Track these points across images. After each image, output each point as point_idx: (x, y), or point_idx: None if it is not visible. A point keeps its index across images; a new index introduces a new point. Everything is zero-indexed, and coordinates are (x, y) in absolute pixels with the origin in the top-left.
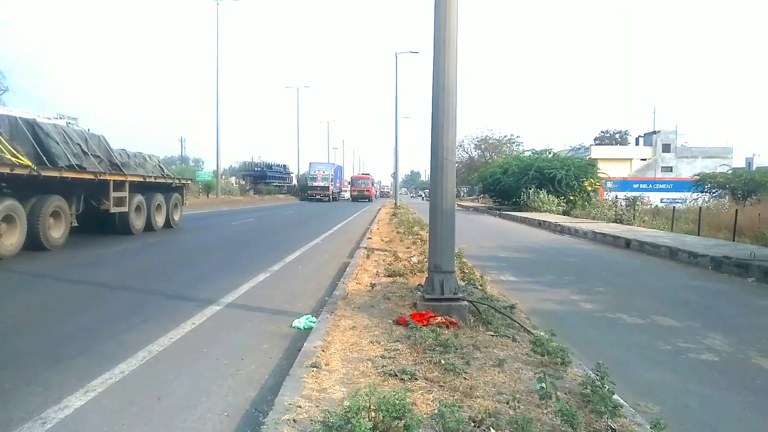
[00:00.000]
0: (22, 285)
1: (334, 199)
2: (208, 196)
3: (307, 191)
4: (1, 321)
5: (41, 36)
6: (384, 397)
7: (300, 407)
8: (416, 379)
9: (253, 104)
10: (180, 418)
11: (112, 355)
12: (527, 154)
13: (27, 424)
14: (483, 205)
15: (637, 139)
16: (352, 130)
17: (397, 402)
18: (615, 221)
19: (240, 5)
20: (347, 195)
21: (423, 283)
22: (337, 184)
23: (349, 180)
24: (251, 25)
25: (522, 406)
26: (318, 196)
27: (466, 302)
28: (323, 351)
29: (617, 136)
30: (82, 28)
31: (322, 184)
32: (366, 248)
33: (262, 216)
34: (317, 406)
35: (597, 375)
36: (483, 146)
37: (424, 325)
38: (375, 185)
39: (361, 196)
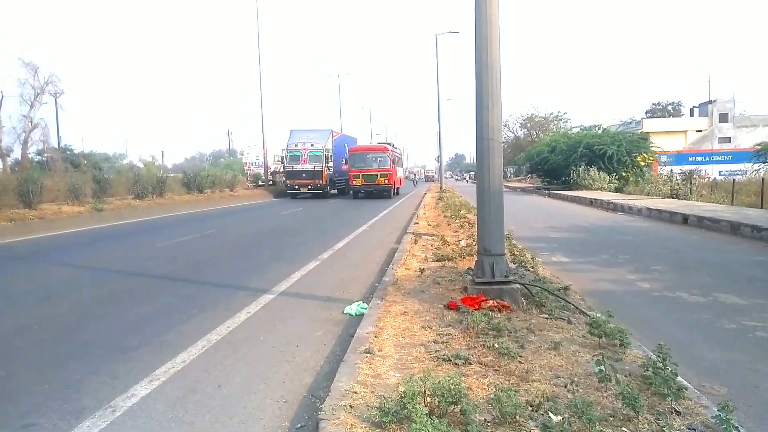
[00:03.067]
0: (88, 279)
1: (334, 193)
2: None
3: (286, 180)
4: (71, 314)
5: (90, 38)
6: (439, 382)
7: (356, 393)
8: (470, 363)
9: (295, 93)
10: (240, 404)
11: (173, 344)
12: (575, 130)
13: (98, 412)
14: (530, 185)
15: (691, 110)
16: (395, 115)
17: (453, 387)
18: (671, 197)
19: None
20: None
21: (473, 267)
22: (343, 167)
23: (345, 157)
24: (290, 15)
25: (581, 390)
26: (302, 189)
27: (517, 285)
28: (376, 337)
29: (670, 107)
30: (125, 25)
31: (308, 167)
32: (413, 233)
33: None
34: (373, 392)
35: (658, 356)
36: (529, 125)
37: (475, 309)
38: (398, 165)
39: (371, 188)
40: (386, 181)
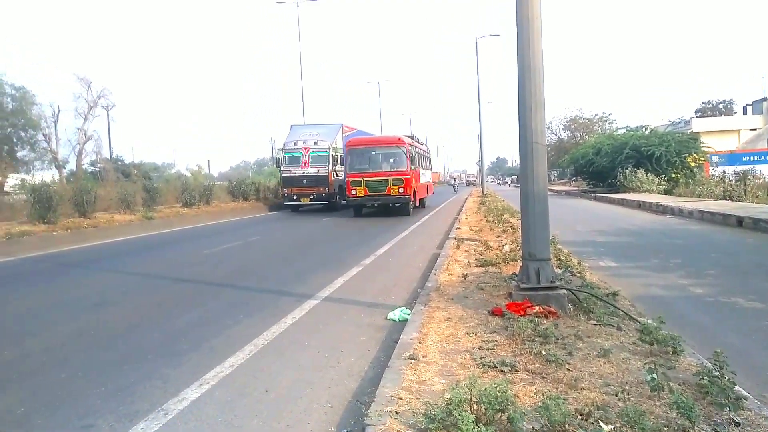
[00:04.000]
0: (139, 285)
1: (345, 204)
2: None
3: (283, 189)
4: (124, 319)
5: (140, 52)
6: (485, 389)
7: (401, 399)
8: (517, 370)
9: (337, 101)
10: (287, 409)
11: (222, 349)
12: (621, 131)
13: (151, 415)
14: (575, 188)
15: (744, 108)
16: (435, 120)
17: (499, 394)
18: (724, 198)
19: (318, 6)
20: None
21: (517, 272)
22: None
23: (342, 152)
24: (330, 24)
25: (632, 398)
26: (303, 200)
27: (564, 290)
28: (420, 343)
29: (721, 106)
30: (173, 40)
31: (310, 171)
32: (455, 238)
33: None
34: (418, 398)
35: (714, 364)
36: (572, 127)
37: (521, 316)
38: (423, 166)
39: (378, 200)
40: (401, 190)
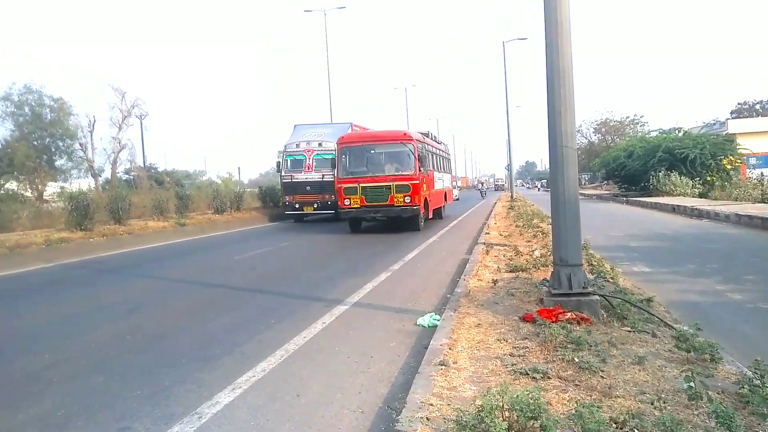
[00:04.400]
0: (173, 290)
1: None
2: None
3: (284, 196)
4: (157, 324)
5: (172, 62)
6: (517, 396)
7: (432, 405)
8: (549, 377)
9: (364, 107)
10: (318, 414)
11: (253, 354)
12: (653, 134)
13: (186, 418)
14: (607, 192)
15: None
16: (462, 125)
17: (532, 401)
18: (762, 201)
19: (344, 12)
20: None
21: (548, 278)
22: None
23: (333, 152)
24: (356, 30)
25: (669, 407)
26: (307, 209)
27: (597, 296)
28: (450, 349)
29: (758, 106)
30: (201, 50)
31: (314, 176)
32: (484, 243)
33: None
34: (449, 405)
35: (755, 373)
36: (603, 129)
37: (553, 322)
38: (439, 169)
39: (377, 211)
40: (408, 199)
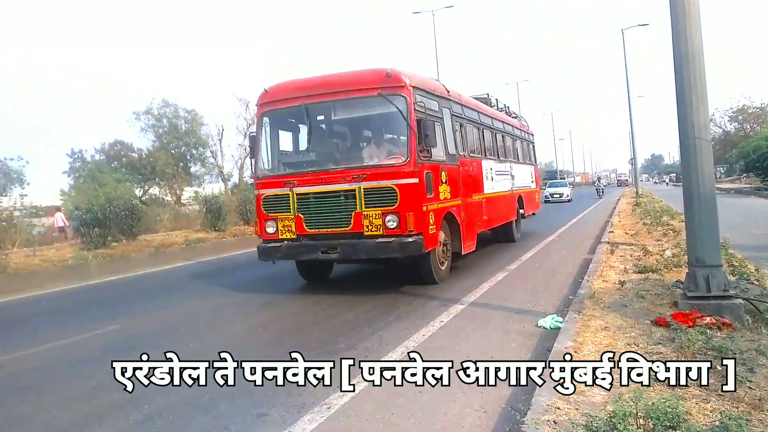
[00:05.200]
0: (298, 287)
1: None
2: None
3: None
4: (287, 319)
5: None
6: (653, 403)
7: (559, 408)
8: (687, 386)
9: None
10: (441, 410)
11: (376, 350)
12: None
13: (316, 408)
14: (747, 185)
15: None
16: (579, 119)
17: (669, 410)
18: None
19: (452, 11)
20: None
21: (681, 280)
22: None
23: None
24: (464, 27)
25: None
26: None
27: (740, 300)
28: (575, 352)
29: None
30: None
31: None
32: (608, 242)
33: None
34: (577, 409)
35: None
36: (740, 117)
37: (689, 327)
38: (502, 152)
39: (323, 246)
40: (392, 220)
